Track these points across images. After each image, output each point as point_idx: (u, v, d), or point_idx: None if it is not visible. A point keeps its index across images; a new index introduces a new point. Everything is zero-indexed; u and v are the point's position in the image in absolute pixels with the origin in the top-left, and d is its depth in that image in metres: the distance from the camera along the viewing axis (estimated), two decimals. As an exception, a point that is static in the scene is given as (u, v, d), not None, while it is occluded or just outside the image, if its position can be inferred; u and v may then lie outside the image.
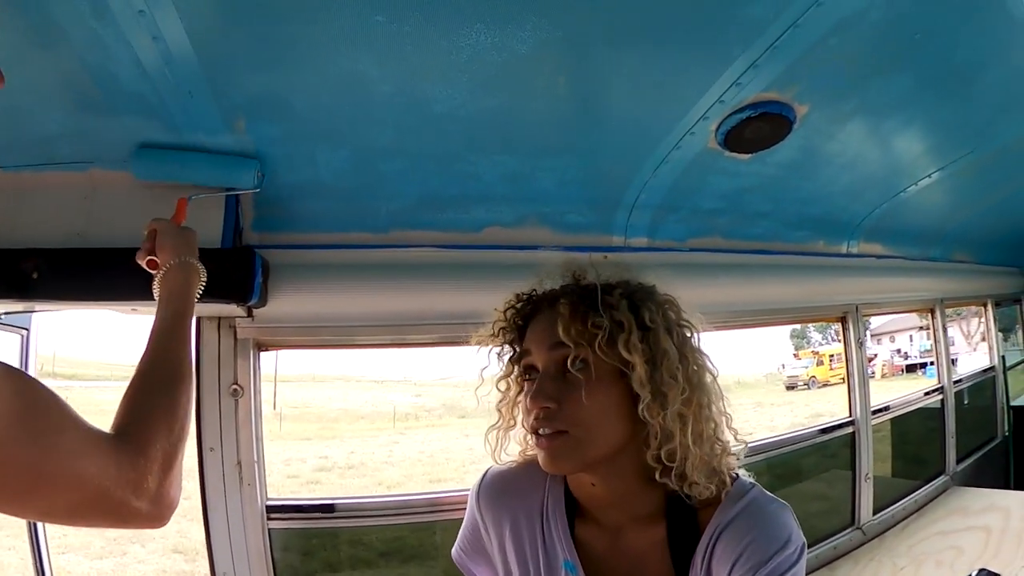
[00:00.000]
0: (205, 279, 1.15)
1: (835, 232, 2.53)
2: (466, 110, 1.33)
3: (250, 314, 1.62)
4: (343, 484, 11.94)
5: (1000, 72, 1.60)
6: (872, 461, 2.77)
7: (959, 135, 2.00)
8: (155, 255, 1.12)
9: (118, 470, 0.73)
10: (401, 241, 1.70)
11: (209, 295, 1.37)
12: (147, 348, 0.96)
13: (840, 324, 2.80)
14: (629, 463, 0.89)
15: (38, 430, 0.67)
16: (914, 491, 3.09)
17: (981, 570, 2.19)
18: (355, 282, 1.66)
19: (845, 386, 2.85)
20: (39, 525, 2.15)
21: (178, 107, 1.25)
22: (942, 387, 3.39)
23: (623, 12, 1.12)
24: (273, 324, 1.67)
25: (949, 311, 3.72)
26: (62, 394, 0.76)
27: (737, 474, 0.92)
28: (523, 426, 0.94)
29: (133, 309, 1.51)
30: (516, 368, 0.95)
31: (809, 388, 23.93)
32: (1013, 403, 4.03)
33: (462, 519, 1.08)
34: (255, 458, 1.66)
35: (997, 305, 4.17)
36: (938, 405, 3.39)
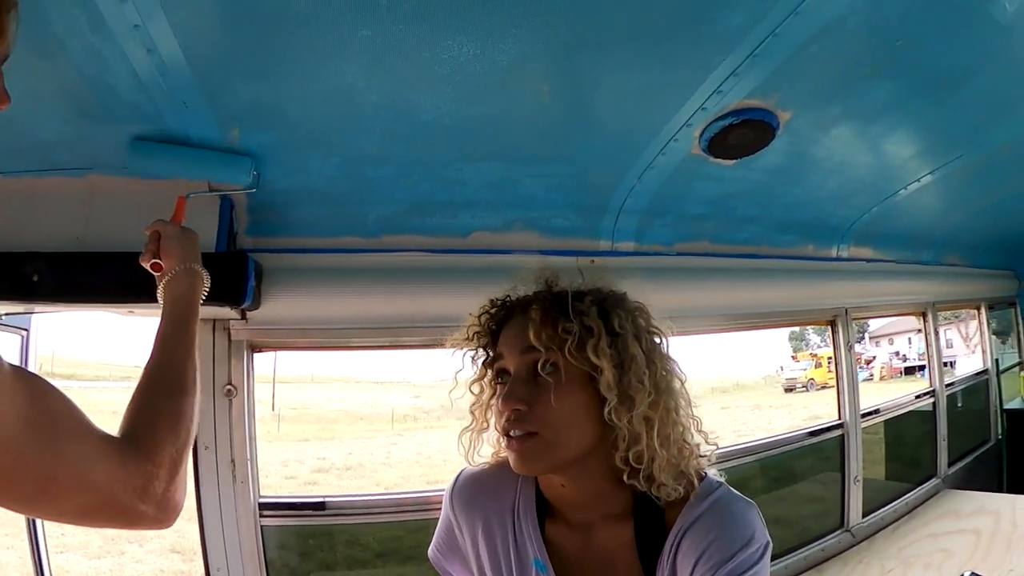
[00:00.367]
0: (209, 285, 1.15)
1: (824, 236, 2.55)
2: (452, 118, 1.37)
3: (244, 316, 1.66)
4: (341, 485, 11.91)
5: (987, 77, 1.63)
6: (861, 464, 2.78)
7: (948, 139, 2.02)
8: (159, 258, 1.12)
9: (126, 476, 0.74)
10: (391, 246, 1.73)
11: (204, 297, 1.42)
12: (152, 354, 0.96)
13: (830, 327, 2.82)
14: (598, 465, 0.91)
15: (50, 436, 0.67)
16: (905, 494, 3.10)
17: (970, 573, 2.21)
18: (346, 285, 1.70)
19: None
20: (38, 525, 2.17)
21: (174, 116, 1.29)
22: (934, 390, 3.41)
23: (602, 23, 1.15)
24: (266, 326, 1.71)
25: (947, 314, 3.73)
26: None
27: (705, 473, 0.94)
28: (495, 428, 0.96)
29: (130, 311, 1.55)
30: (489, 372, 0.97)
31: (807, 390, 23.87)
32: (1007, 406, 4.03)
33: None
34: (248, 456, 1.70)
35: (991, 308, 4.18)
36: (930, 408, 3.40)
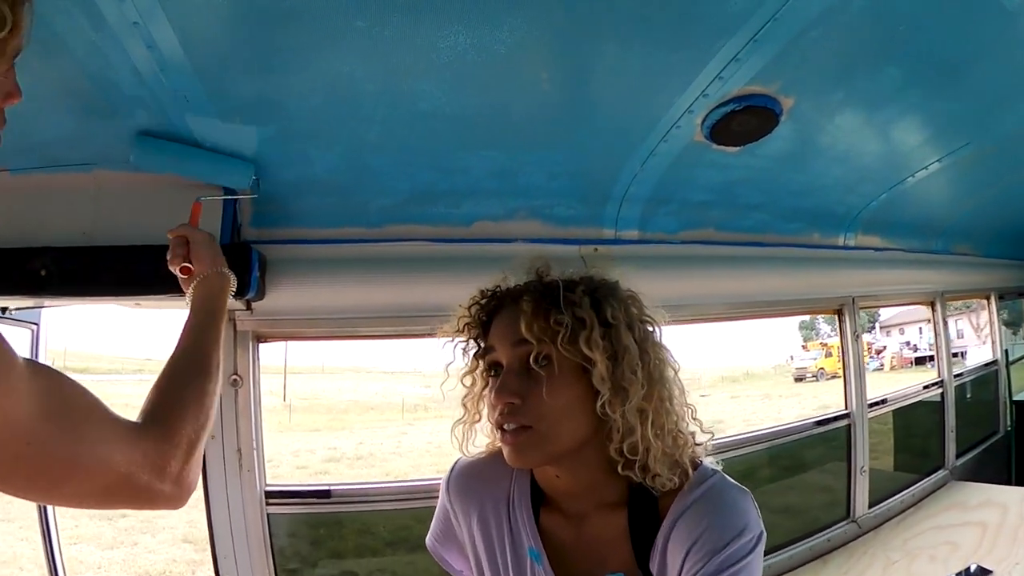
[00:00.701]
0: (235, 287, 1.22)
1: (831, 224, 2.53)
2: (451, 107, 1.36)
3: (249, 307, 1.67)
4: (351, 475, 12.00)
5: (995, 63, 1.60)
6: (867, 455, 2.77)
7: (957, 126, 1.99)
8: (189, 262, 1.19)
9: (143, 455, 0.75)
10: (393, 235, 1.74)
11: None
12: (180, 343, 1.00)
13: (837, 317, 2.80)
14: (592, 456, 0.91)
15: (70, 424, 0.69)
16: (912, 485, 3.09)
17: (975, 566, 2.21)
18: (349, 275, 1.70)
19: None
20: (50, 517, 2.20)
21: (175, 111, 1.30)
22: (942, 381, 3.38)
23: (600, 9, 1.15)
24: (271, 317, 1.72)
25: (958, 304, 3.69)
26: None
27: (701, 461, 0.93)
28: (488, 420, 0.96)
29: (137, 304, 1.56)
30: (481, 363, 0.96)
31: (817, 380, 23.77)
32: (1016, 398, 3.99)
33: None
34: (254, 445, 1.72)
35: (1002, 298, 4.13)
36: (938, 399, 3.37)
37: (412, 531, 2.03)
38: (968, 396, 3.73)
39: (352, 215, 1.71)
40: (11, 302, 1.66)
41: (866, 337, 2.94)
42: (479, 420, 1.00)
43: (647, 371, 0.90)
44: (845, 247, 2.62)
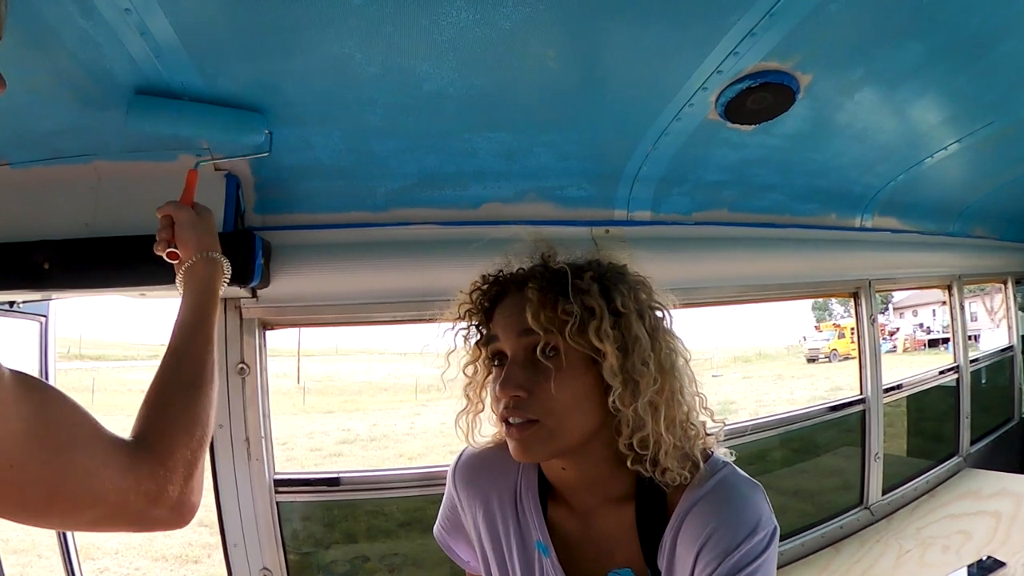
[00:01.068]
0: (229, 273, 1.11)
1: (848, 205, 2.47)
2: (456, 87, 1.32)
3: (254, 295, 1.66)
4: (365, 456, 12.09)
5: (1020, 40, 1.53)
6: (882, 440, 2.73)
7: (978, 105, 1.92)
8: (176, 245, 1.07)
9: (137, 482, 0.71)
10: (400, 219, 1.71)
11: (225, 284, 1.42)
12: (169, 347, 0.92)
13: (852, 300, 2.75)
14: (600, 449, 0.88)
15: (55, 448, 0.65)
16: (926, 471, 3.05)
17: (988, 558, 2.17)
18: (356, 260, 1.68)
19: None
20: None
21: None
22: (958, 366, 3.32)
23: (609, -18, 1.10)
24: (278, 304, 1.70)
25: (972, 287, 3.63)
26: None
27: (711, 452, 0.91)
28: (492, 411, 0.93)
29: (142, 294, 1.55)
30: (484, 352, 0.93)
31: (830, 361, 23.71)
32: (1032, 384, 3.93)
33: None
34: (262, 434, 1.71)
35: (1019, 283, 4.05)
36: (953, 384, 3.32)
37: (425, 512, 2.02)
38: (983, 382, 3.67)
39: (357, 199, 1.68)
40: (17, 296, 1.65)
41: (879, 319, 2.88)
42: (483, 410, 0.97)
43: (658, 361, 0.86)
44: (862, 228, 2.57)
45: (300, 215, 1.67)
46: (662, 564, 0.86)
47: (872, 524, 2.65)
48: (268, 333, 1.77)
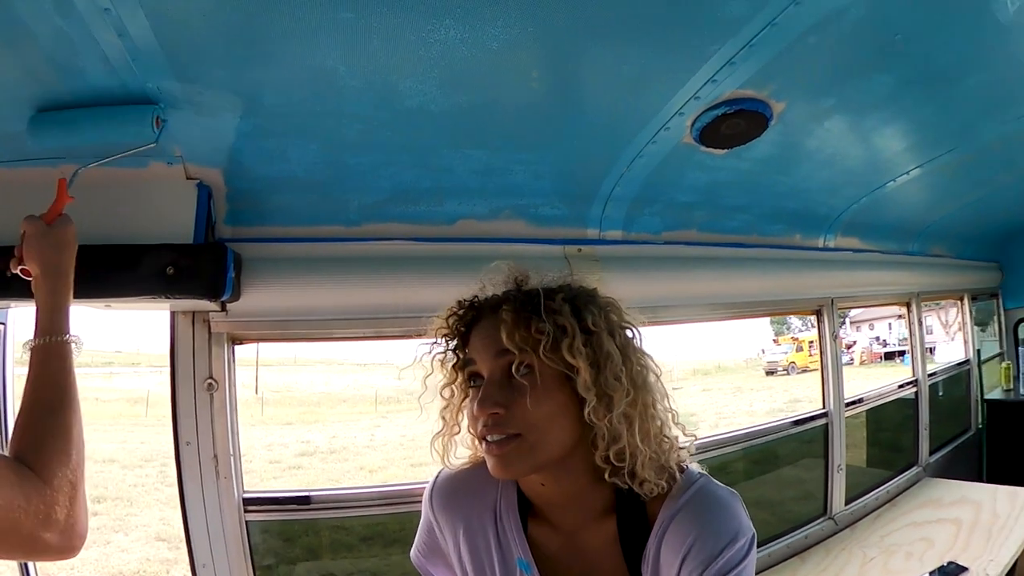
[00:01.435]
0: (72, 295, 1.05)
1: (812, 226, 2.55)
2: (437, 104, 1.32)
3: (224, 308, 1.61)
4: (325, 469, 11.88)
5: (984, 74, 1.62)
6: (844, 453, 2.81)
7: (940, 134, 2.02)
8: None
9: (27, 501, 0.70)
10: (374, 234, 1.69)
11: (182, 292, 1.37)
12: (29, 371, 0.91)
13: (816, 317, 2.83)
14: (578, 463, 0.90)
15: None
16: (887, 482, 3.14)
17: (950, 563, 2.25)
18: (328, 275, 1.65)
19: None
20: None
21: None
22: (916, 380, 3.44)
23: (596, 8, 1.11)
24: (247, 318, 1.66)
25: (928, 301, 3.77)
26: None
27: (686, 466, 0.93)
28: (469, 431, 0.94)
29: (107, 305, 1.49)
30: (460, 375, 0.95)
31: (788, 374, 24.20)
32: (987, 396, 4.09)
33: None
34: (231, 451, 1.66)
35: (974, 299, 4.22)
36: (912, 397, 3.44)
37: (389, 529, 2.00)
38: (941, 394, 3.81)
39: (331, 213, 1.65)
40: (-25, 304, 1.58)
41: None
42: (458, 432, 0.98)
43: (630, 376, 0.89)
44: (825, 248, 2.65)
45: (272, 228, 1.63)
46: (646, 575, 0.87)
47: (836, 533, 2.72)
48: (237, 348, 1.72)
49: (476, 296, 0.97)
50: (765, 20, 1.17)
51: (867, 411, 3.28)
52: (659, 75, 1.35)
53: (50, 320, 0.98)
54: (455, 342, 0.96)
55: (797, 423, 2.78)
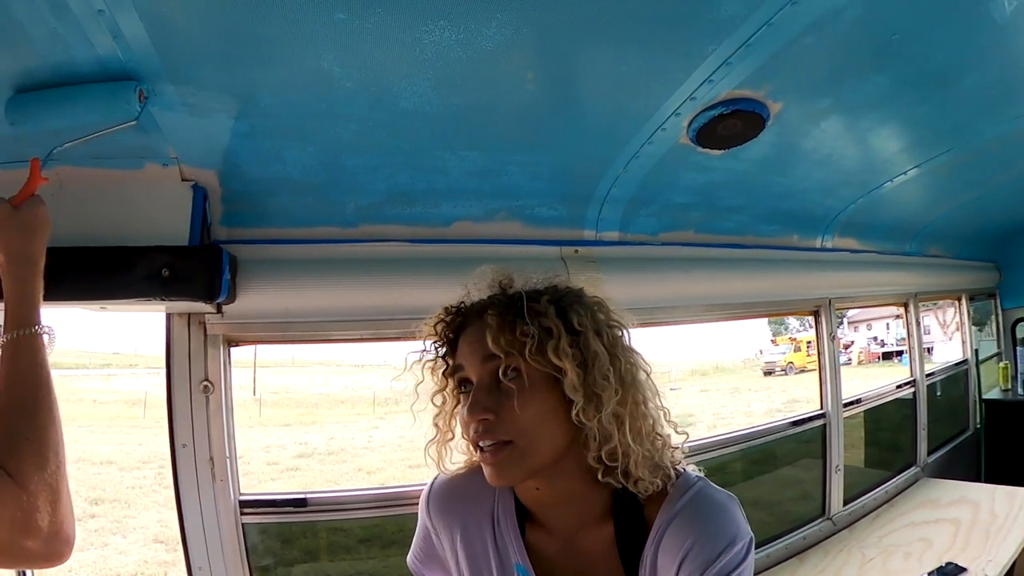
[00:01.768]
0: (42, 287, 0.98)
1: (809, 227, 2.55)
2: (433, 106, 1.32)
3: (219, 310, 1.61)
4: (323, 470, 11.86)
5: (980, 74, 1.62)
6: (842, 453, 2.81)
7: (937, 134, 2.02)
8: None
9: (2, 507, 0.68)
10: (370, 236, 1.69)
11: (177, 294, 1.36)
12: (1, 368, 0.86)
13: (813, 317, 2.83)
14: (572, 465, 0.89)
15: None
16: (885, 482, 3.14)
17: (948, 563, 2.25)
18: (324, 277, 1.64)
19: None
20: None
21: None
22: (914, 380, 3.44)
23: (592, 8, 1.11)
24: (243, 320, 1.65)
25: (926, 301, 3.78)
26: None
27: (683, 469, 0.93)
28: (463, 437, 0.94)
29: (102, 307, 1.49)
30: (450, 382, 0.95)
31: (786, 374, 24.17)
32: (985, 396, 4.09)
33: None
34: (227, 454, 1.66)
35: (972, 299, 4.23)
36: (910, 397, 3.44)
37: (387, 531, 1.99)
38: (939, 394, 3.81)
39: (327, 215, 1.65)
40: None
41: (834, 333, 2.97)
42: (452, 438, 0.98)
43: (619, 376, 0.89)
44: (823, 249, 2.65)
45: (268, 229, 1.63)
46: None
47: (835, 534, 2.72)
48: (233, 350, 1.72)
49: (462, 302, 0.97)
50: (761, 20, 1.17)
51: (865, 411, 3.28)
52: (655, 76, 1.35)
53: (18, 312, 0.92)
54: (444, 349, 0.96)
55: (795, 424, 2.77)
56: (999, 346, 4.41)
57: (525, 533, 0.96)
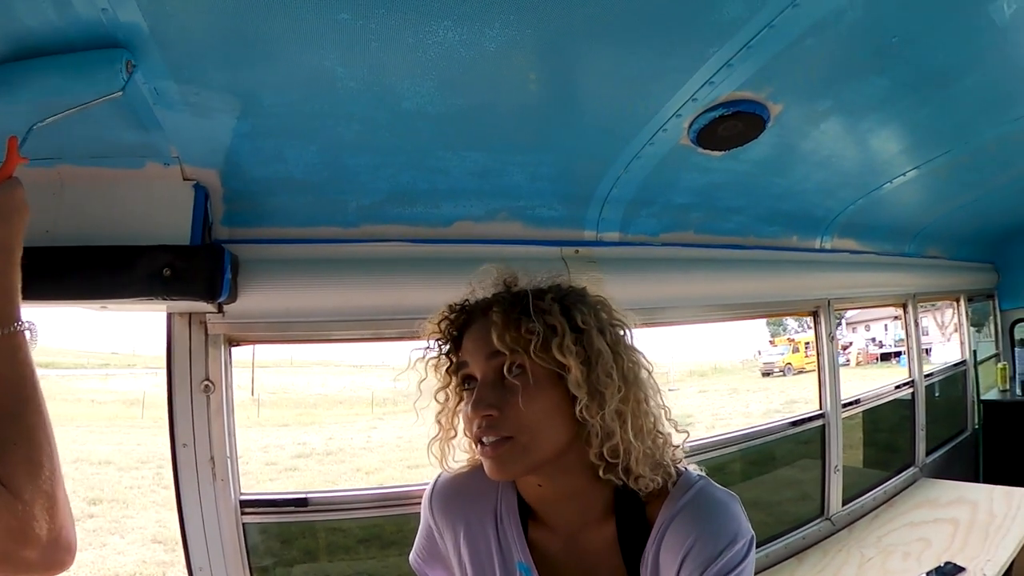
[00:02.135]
0: (20, 277, 0.90)
1: (809, 228, 2.56)
2: (435, 106, 1.32)
3: (220, 310, 1.61)
4: (322, 471, 11.85)
5: (980, 76, 1.62)
6: (841, 454, 2.82)
7: (937, 135, 2.03)
8: None
9: None
10: (371, 236, 1.69)
11: (178, 293, 1.36)
12: None
13: (812, 318, 2.83)
14: (573, 462, 0.90)
15: None
16: (884, 482, 3.15)
17: (947, 563, 2.25)
18: (325, 276, 1.65)
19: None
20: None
21: (143, 104, 1.22)
22: (913, 381, 3.45)
23: (594, 9, 1.11)
24: (244, 319, 1.66)
25: (924, 302, 3.78)
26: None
27: (684, 467, 0.94)
28: (466, 435, 0.95)
29: (103, 306, 1.49)
30: (454, 379, 0.96)
31: (785, 375, 24.20)
32: (983, 397, 4.11)
33: None
34: (228, 453, 1.66)
35: (970, 300, 4.24)
36: (909, 398, 3.45)
37: (386, 531, 1.99)
38: (937, 395, 3.82)
39: (328, 214, 1.65)
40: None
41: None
42: (454, 436, 0.99)
43: (621, 373, 0.90)
44: (822, 250, 2.66)
45: (269, 229, 1.63)
46: None
47: (834, 534, 2.73)
48: (234, 349, 1.72)
49: (467, 299, 0.98)
50: (763, 22, 1.18)
51: (864, 412, 3.29)
52: (656, 77, 1.35)
53: (2, 301, 0.84)
54: (448, 346, 0.97)
55: (794, 424, 2.78)
56: (997, 347, 4.42)
57: (528, 531, 0.96)
